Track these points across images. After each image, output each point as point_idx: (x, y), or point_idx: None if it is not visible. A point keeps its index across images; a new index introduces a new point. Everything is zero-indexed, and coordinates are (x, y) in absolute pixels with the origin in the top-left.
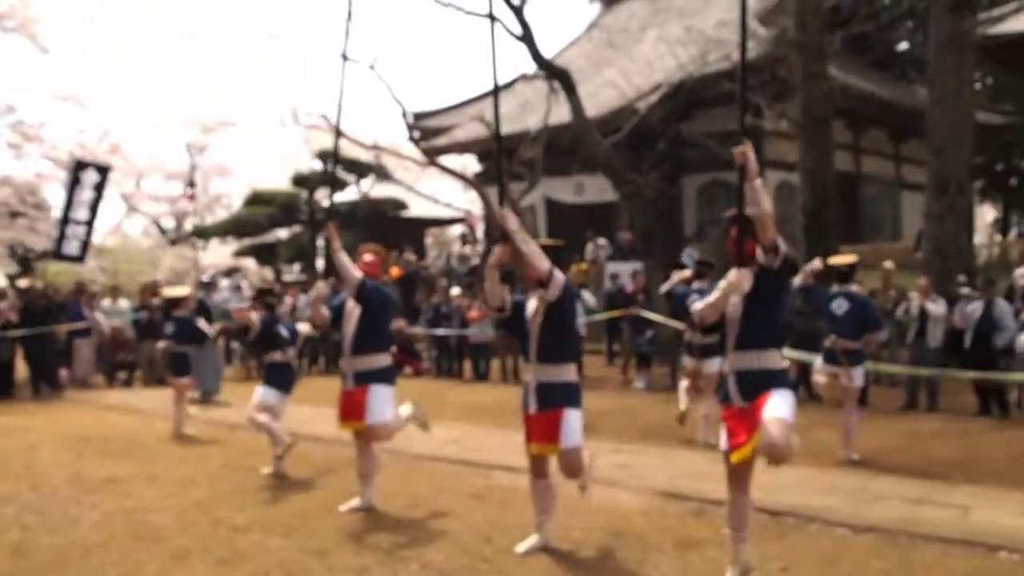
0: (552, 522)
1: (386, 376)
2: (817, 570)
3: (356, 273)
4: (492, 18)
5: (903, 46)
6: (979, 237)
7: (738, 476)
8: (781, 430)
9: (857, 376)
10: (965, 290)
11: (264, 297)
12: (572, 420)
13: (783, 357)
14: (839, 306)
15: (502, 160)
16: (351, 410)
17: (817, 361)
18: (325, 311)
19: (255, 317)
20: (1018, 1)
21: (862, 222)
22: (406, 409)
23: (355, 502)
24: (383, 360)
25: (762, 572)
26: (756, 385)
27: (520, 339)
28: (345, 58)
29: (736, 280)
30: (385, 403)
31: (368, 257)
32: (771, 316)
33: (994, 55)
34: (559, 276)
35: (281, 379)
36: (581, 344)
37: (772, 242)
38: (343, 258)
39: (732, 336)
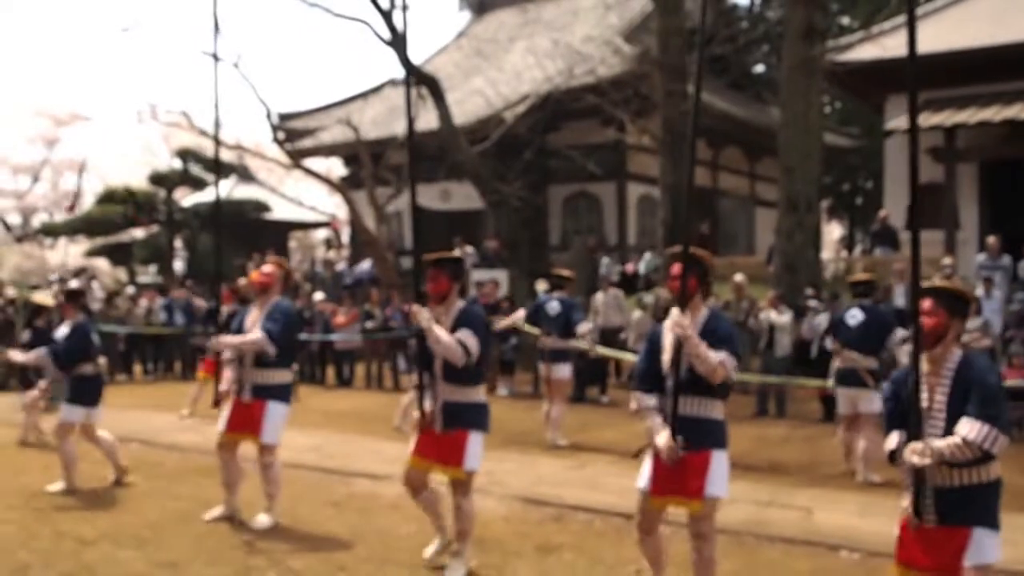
0: (449, 522)
1: (284, 393)
2: (669, 571)
3: (256, 339)
4: (391, 27)
5: (759, 68)
6: (826, 253)
7: (648, 516)
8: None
9: None
10: (812, 303)
11: (76, 299)
12: (476, 443)
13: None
14: None
15: (414, 185)
16: (243, 423)
17: None
18: None
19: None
20: (863, 31)
21: (719, 236)
22: None
23: (218, 511)
24: (283, 376)
25: (617, 574)
26: (695, 436)
27: (422, 354)
28: (216, 58)
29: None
30: (280, 423)
31: (267, 268)
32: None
33: (842, 81)
34: (474, 348)
35: (89, 394)
36: (487, 365)
37: (721, 383)
38: (234, 343)
39: (675, 376)
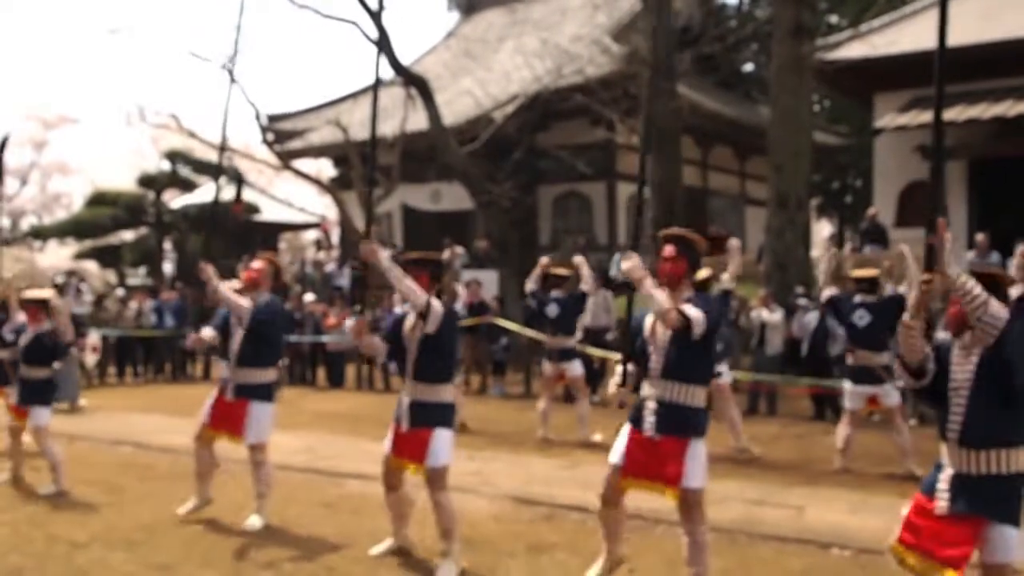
0: (407, 528)
1: (267, 393)
2: (662, 570)
3: (244, 303)
4: (379, 28)
5: (748, 67)
6: (816, 251)
7: (614, 491)
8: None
9: None
10: (803, 301)
11: (45, 304)
12: (441, 440)
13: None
14: None
15: (371, 188)
16: (225, 421)
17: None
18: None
19: None
20: (852, 30)
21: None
22: None
23: (192, 503)
24: (266, 375)
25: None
26: (675, 422)
27: (397, 352)
28: (231, 73)
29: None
30: (264, 422)
31: (256, 264)
32: (700, 351)
33: (831, 79)
34: (437, 308)
35: (49, 394)
36: (456, 364)
37: (678, 323)
38: (225, 293)
39: (659, 361)
